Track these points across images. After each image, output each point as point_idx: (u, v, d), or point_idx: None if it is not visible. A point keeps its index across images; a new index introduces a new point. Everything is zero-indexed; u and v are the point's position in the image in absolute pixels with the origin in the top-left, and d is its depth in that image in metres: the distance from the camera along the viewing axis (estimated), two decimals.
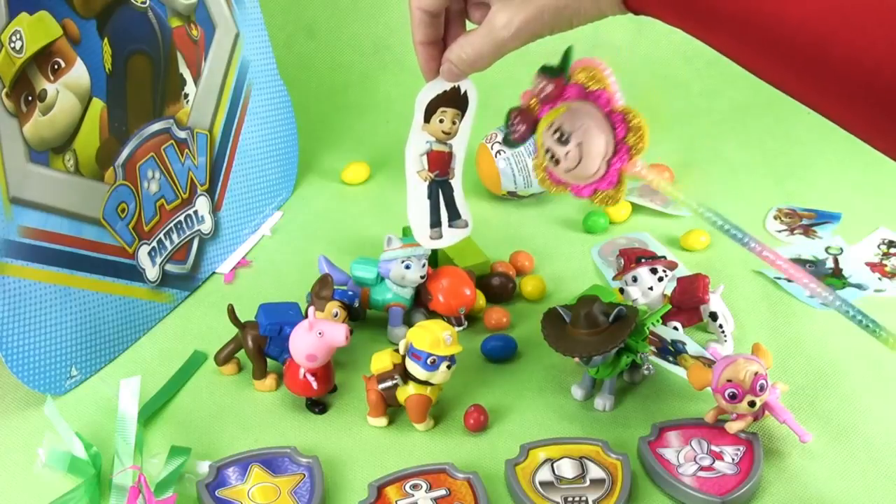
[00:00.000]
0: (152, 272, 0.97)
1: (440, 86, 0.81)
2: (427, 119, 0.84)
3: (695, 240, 1.07)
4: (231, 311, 0.89)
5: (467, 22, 0.77)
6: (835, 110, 0.63)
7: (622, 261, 0.94)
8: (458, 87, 0.82)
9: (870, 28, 0.59)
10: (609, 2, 0.67)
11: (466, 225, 0.88)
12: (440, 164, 0.86)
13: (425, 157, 0.85)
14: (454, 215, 0.88)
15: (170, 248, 0.99)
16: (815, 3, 0.60)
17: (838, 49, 0.59)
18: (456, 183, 0.87)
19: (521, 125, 0.83)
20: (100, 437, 0.83)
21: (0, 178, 0.81)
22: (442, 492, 0.77)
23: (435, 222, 0.87)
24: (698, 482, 0.78)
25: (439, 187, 0.87)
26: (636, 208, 1.12)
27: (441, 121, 0.84)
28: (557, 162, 0.81)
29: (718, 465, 0.79)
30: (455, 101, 0.84)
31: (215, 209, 1.05)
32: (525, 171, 1.11)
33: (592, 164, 0.80)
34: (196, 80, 1.01)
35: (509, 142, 0.85)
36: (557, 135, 0.80)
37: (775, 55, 0.62)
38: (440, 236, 0.87)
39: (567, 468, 0.79)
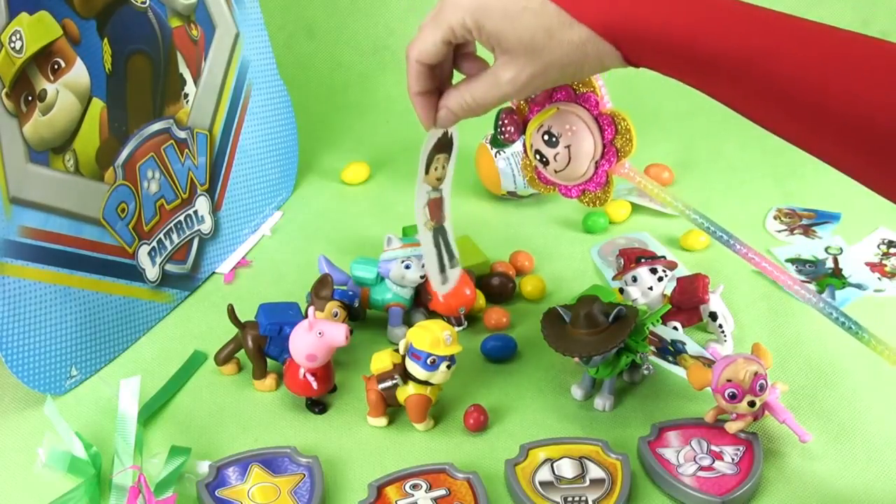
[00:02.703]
0: (152, 272, 0.97)
1: (436, 134, 0.80)
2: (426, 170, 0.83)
3: (694, 240, 1.07)
4: (231, 311, 0.89)
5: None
6: (833, 156, 0.64)
7: (622, 261, 0.94)
8: (447, 131, 0.81)
9: (864, 75, 0.60)
10: (611, 59, 0.68)
11: (458, 264, 0.88)
12: (437, 210, 0.85)
13: (427, 208, 0.84)
14: (451, 256, 0.87)
15: (170, 248, 0.99)
16: (810, 54, 0.61)
17: (834, 96, 0.61)
18: (448, 225, 0.87)
19: (510, 126, 0.84)
20: (100, 437, 0.83)
21: (0, 178, 0.81)
22: (442, 492, 0.77)
23: (442, 268, 0.86)
24: (698, 482, 0.78)
25: (438, 233, 0.86)
26: (636, 208, 1.12)
27: (435, 168, 0.83)
28: (547, 163, 0.81)
29: (718, 464, 0.79)
30: (443, 145, 0.83)
31: (215, 209, 1.05)
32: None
33: (581, 166, 0.80)
34: (196, 80, 1.01)
35: (497, 142, 0.85)
36: (546, 137, 0.80)
37: (773, 104, 0.64)
38: (447, 280, 0.87)
39: (567, 468, 0.79)
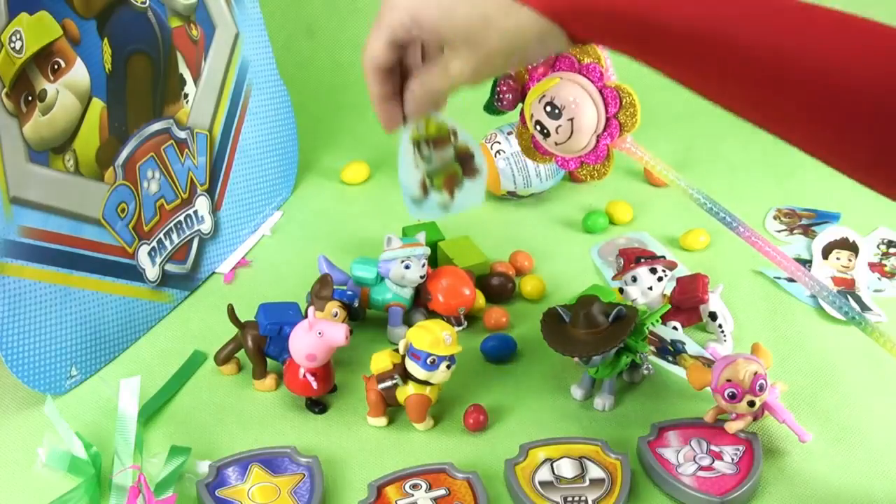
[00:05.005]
0: (152, 272, 0.97)
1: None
2: None
3: (694, 240, 1.07)
4: (231, 311, 0.89)
5: None
6: (797, 130, 0.63)
7: (622, 261, 0.94)
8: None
9: (822, 35, 0.59)
10: (556, 40, 0.67)
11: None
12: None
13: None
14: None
15: (170, 248, 0.99)
16: (767, 20, 0.61)
17: (793, 60, 0.59)
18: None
19: (507, 94, 0.82)
20: (100, 437, 0.83)
21: (0, 178, 0.81)
22: (441, 491, 0.77)
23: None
24: (698, 482, 0.78)
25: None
26: (636, 210, 1.12)
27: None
28: (547, 135, 0.80)
29: (718, 464, 0.79)
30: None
31: (215, 209, 1.05)
32: (524, 170, 1.11)
33: (582, 140, 0.79)
34: (196, 80, 1.01)
35: (492, 109, 0.83)
36: (549, 108, 0.79)
37: (731, 76, 0.62)
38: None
39: (567, 468, 0.79)
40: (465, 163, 0.78)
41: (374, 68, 0.72)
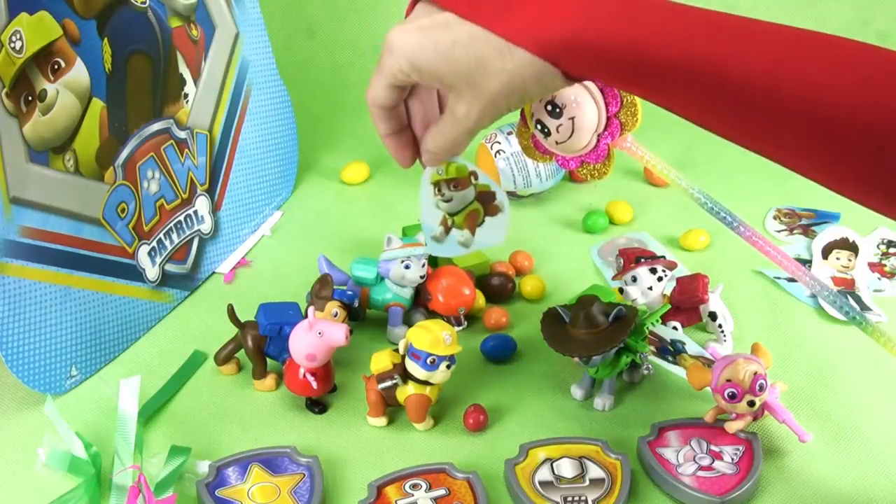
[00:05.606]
0: (152, 272, 0.97)
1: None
2: None
3: (694, 240, 1.07)
4: (231, 311, 0.89)
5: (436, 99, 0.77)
6: (794, 158, 0.63)
7: (622, 261, 0.94)
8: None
9: (815, 68, 0.59)
10: (552, 79, 0.67)
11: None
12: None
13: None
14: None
15: (170, 248, 0.99)
16: (759, 55, 0.61)
17: (787, 93, 0.59)
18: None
19: None
20: (100, 437, 0.83)
21: (0, 178, 0.81)
22: (441, 491, 0.77)
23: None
24: (698, 482, 0.78)
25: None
26: (636, 210, 1.12)
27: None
28: (548, 134, 0.80)
29: (718, 464, 0.79)
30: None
31: (215, 209, 1.05)
32: (524, 171, 1.11)
33: (583, 139, 0.80)
34: (196, 80, 1.01)
35: None
36: (550, 107, 0.79)
37: (727, 110, 0.63)
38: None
39: (566, 468, 0.79)
40: (487, 202, 0.80)
41: (376, 108, 0.73)
